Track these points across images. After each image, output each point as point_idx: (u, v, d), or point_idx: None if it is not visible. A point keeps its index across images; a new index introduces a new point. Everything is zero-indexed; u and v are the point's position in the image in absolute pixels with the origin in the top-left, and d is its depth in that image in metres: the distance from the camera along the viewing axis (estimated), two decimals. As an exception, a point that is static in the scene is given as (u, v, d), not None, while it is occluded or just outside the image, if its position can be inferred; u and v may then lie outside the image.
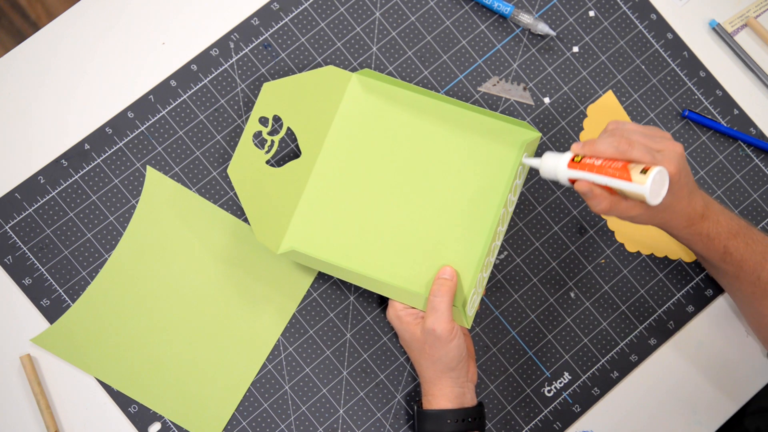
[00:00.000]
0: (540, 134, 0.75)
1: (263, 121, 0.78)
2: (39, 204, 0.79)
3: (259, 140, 0.79)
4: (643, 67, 0.84)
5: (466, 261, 0.74)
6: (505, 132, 0.75)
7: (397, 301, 0.73)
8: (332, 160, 0.77)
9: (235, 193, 0.80)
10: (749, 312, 0.74)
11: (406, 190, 0.76)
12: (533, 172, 0.82)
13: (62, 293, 0.78)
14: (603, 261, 0.82)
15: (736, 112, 0.84)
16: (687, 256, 0.82)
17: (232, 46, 0.82)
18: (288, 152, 0.80)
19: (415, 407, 0.75)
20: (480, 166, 0.76)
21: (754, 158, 0.84)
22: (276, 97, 0.77)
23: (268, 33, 0.82)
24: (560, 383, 0.80)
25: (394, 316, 0.73)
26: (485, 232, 0.74)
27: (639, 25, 0.84)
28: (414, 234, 0.75)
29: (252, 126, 0.76)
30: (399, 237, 0.75)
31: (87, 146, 0.80)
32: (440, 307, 0.70)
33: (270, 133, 0.79)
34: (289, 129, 0.79)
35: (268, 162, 0.79)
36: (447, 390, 0.72)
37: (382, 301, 0.80)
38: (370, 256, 0.75)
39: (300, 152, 0.77)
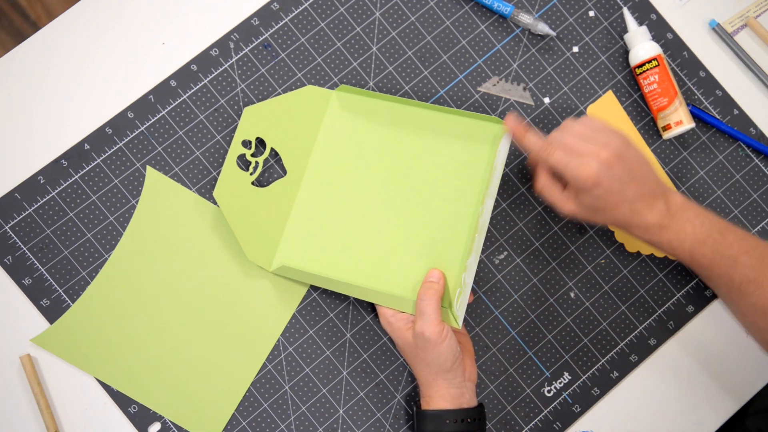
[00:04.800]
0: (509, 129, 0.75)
1: (246, 143, 0.79)
2: (39, 204, 0.79)
3: (243, 162, 0.80)
4: (643, 67, 0.84)
5: (449, 262, 0.75)
6: (477, 129, 0.77)
7: (386, 308, 0.74)
8: (318, 177, 0.79)
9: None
10: (733, 310, 0.75)
11: (390, 199, 0.78)
12: (527, 176, 0.83)
13: (62, 293, 0.78)
14: (603, 261, 0.82)
15: (736, 112, 0.84)
16: (687, 256, 0.82)
17: (232, 46, 0.82)
18: (273, 172, 0.81)
19: (414, 408, 0.75)
20: (455, 166, 0.77)
21: (754, 158, 0.84)
22: (258, 120, 0.79)
23: (268, 33, 0.83)
24: (560, 383, 0.80)
25: (385, 323, 0.74)
26: (465, 232, 0.75)
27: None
28: (400, 241, 0.76)
29: (235, 149, 0.78)
30: (386, 245, 0.77)
31: (87, 146, 0.80)
32: (427, 311, 0.71)
33: (254, 155, 0.79)
34: (272, 149, 0.80)
35: (253, 183, 0.79)
36: (443, 391, 0.72)
37: (382, 301, 0.80)
38: (359, 266, 0.76)
39: (285, 171, 0.79)
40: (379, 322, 0.80)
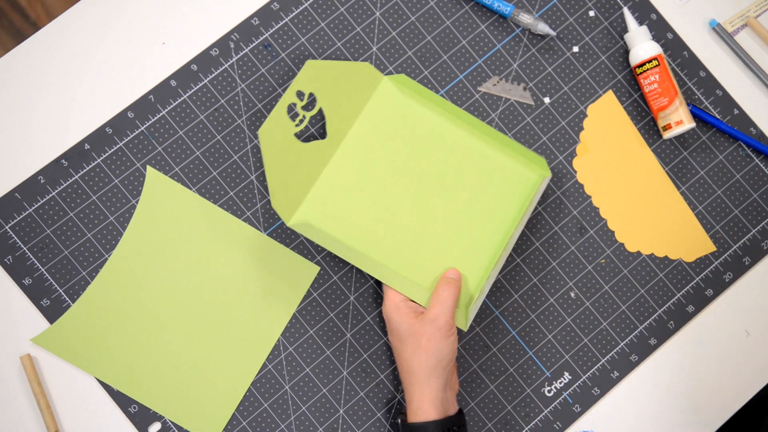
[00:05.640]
0: (550, 174, 0.78)
1: (300, 95, 0.79)
2: (39, 204, 0.79)
3: (292, 112, 0.80)
4: (643, 67, 0.84)
5: (474, 265, 0.76)
6: (528, 161, 0.78)
7: (396, 293, 0.74)
8: (355, 149, 0.78)
9: (235, 193, 0.80)
10: None
11: (423, 189, 0.78)
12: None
13: (62, 293, 0.78)
14: (603, 261, 0.82)
15: (736, 112, 0.84)
16: (687, 256, 0.82)
17: (232, 46, 0.82)
18: (316, 130, 0.80)
19: (399, 421, 0.74)
20: (500, 184, 0.78)
21: (754, 158, 0.84)
22: (315, 76, 0.78)
23: (268, 33, 0.83)
24: (560, 383, 0.80)
25: (392, 307, 0.73)
26: (496, 242, 0.77)
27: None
28: (426, 231, 0.77)
29: (288, 97, 0.78)
30: (411, 231, 0.77)
31: (87, 146, 0.80)
32: (447, 301, 0.72)
33: (304, 108, 0.79)
34: (320, 109, 0.79)
35: (296, 134, 0.79)
36: (433, 395, 0.71)
37: (382, 301, 0.80)
38: (380, 243, 0.77)
39: (326, 134, 0.78)
40: (378, 322, 0.80)
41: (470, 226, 0.77)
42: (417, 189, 0.78)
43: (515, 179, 0.78)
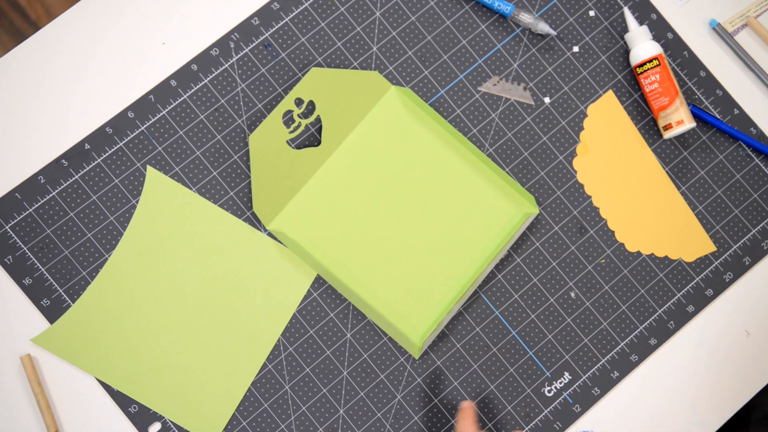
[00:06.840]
0: (538, 211, 0.79)
1: (298, 102, 0.79)
2: (39, 204, 0.79)
3: (288, 119, 0.80)
4: (643, 67, 0.84)
5: (438, 298, 0.77)
6: (518, 195, 0.79)
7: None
8: (344, 162, 0.79)
9: (235, 193, 0.80)
10: None
11: (404, 211, 0.78)
12: (527, 175, 0.82)
13: (62, 293, 0.78)
14: (603, 261, 0.82)
15: (736, 112, 0.84)
16: (687, 256, 0.82)
17: (232, 45, 0.82)
18: (309, 139, 0.81)
19: None
20: (483, 215, 0.78)
21: (755, 158, 0.84)
22: (318, 84, 0.79)
23: (269, 33, 0.83)
24: (560, 383, 0.80)
25: None
26: (465, 279, 0.78)
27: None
28: (398, 256, 0.78)
29: (286, 103, 0.79)
30: (383, 255, 0.78)
31: (87, 146, 0.80)
32: None
33: (300, 116, 0.80)
34: (318, 117, 0.80)
35: (288, 141, 0.80)
36: None
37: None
38: (350, 264, 0.78)
39: (319, 143, 0.79)
40: (378, 323, 0.80)
41: (445, 255, 0.78)
42: (399, 210, 0.78)
43: (499, 212, 0.78)
